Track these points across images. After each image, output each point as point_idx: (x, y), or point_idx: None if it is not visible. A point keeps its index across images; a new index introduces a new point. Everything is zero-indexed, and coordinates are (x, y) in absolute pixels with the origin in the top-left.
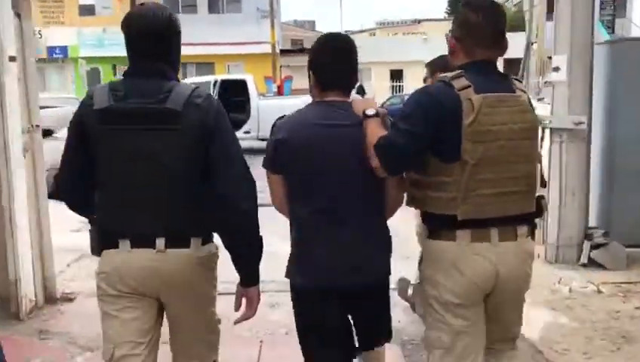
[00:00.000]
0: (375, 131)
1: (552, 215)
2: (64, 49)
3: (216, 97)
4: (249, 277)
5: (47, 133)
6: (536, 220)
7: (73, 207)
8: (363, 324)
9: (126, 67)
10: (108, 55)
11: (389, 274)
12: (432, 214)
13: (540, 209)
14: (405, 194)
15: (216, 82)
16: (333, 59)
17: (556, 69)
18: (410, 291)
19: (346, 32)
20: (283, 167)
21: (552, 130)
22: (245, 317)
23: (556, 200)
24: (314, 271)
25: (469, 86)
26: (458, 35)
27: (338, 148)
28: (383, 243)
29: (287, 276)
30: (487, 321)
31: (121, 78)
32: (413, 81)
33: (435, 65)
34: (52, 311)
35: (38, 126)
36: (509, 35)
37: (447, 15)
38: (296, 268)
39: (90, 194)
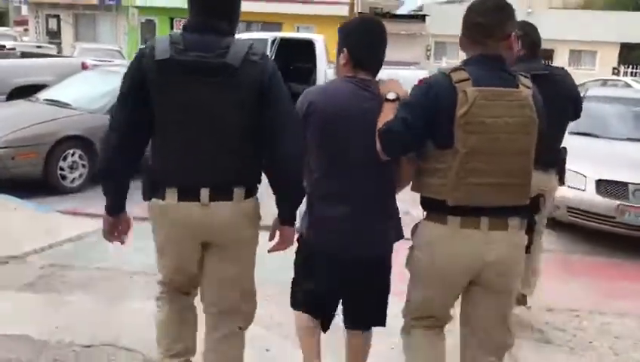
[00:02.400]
0: (387, 115)
1: None
2: None
3: (272, 59)
4: (290, 217)
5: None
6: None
7: (113, 163)
8: (355, 298)
9: (183, 20)
10: (165, 5)
11: (390, 251)
12: (427, 198)
13: (536, 206)
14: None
15: (274, 40)
16: (367, 40)
17: None
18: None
19: (435, 3)
20: (308, 130)
21: None
22: (277, 249)
23: None
24: (323, 234)
25: (468, 79)
26: (462, 30)
27: (361, 122)
28: (389, 219)
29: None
30: (470, 319)
31: (181, 31)
32: None
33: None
34: None
35: None
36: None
37: None
38: (307, 223)
39: (137, 152)
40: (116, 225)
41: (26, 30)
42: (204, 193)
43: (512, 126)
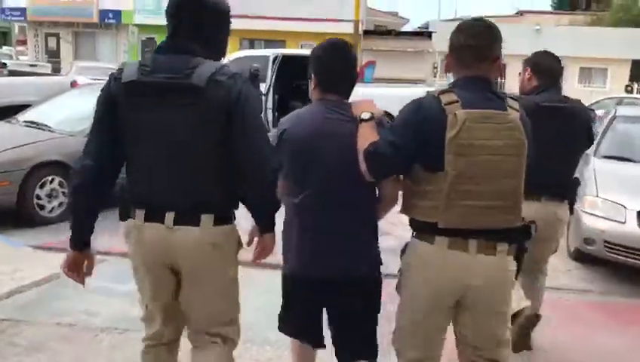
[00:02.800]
0: (366, 136)
1: None
2: (117, 14)
3: (273, 77)
4: (265, 224)
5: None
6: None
7: (87, 183)
8: (341, 326)
9: None
10: (165, 23)
11: (372, 276)
12: (417, 221)
13: (528, 232)
14: (400, 201)
15: (276, 58)
16: (331, 64)
17: None
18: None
19: (441, 20)
20: (284, 157)
21: None
22: (259, 257)
23: None
24: (296, 258)
25: (457, 101)
26: (449, 52)
27: (333, 143)
28: (367, 242)
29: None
30: (460, 340)
31: (153, 53)
32: (514, 79)
33: (527, 62)
34: None
35: None
36: None
37: (553, 7)
38: (284, 251)
39: (109, 178)
40: (78, 262)
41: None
42: (169, 216)
43: (501, 148)
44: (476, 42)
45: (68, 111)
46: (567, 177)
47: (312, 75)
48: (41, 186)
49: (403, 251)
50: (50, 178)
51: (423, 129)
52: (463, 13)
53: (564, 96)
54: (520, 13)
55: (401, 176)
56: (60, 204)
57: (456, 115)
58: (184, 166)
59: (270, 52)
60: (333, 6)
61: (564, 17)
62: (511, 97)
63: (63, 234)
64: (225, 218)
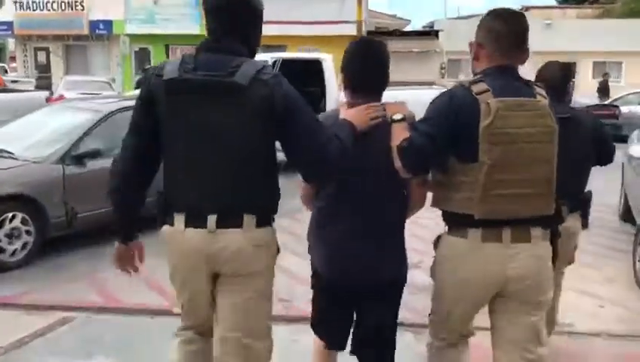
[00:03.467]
0: (399, 134)
1: None
2: (108, 24)
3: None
4: None
5: None
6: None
7: (126, 186)
8: (364, 328)
9: (180, 48)
10: (160, 32)
11: (398, 280)
12: (451, 213)
13: (559, 214)
14: (431, 195)
15: (275, 63)
16: (362, 64)
17: None
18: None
19: (449, 19)
20: None
21: None
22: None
23: None
24: (327, 263)
25: (488, 90)
26: (482, 41)
27: (367, 147)
28: (398, 245)
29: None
30: (495, 333)
31: (194, 52)
32: (528, 75)
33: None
34: None
35: None
36: None
37: (559, 1)
38: (314, 252)
39: (148, 173)
40: (128, 255)
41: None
42: (212, 219)
43: (534, 135)
44: (517, 28)
45: (35, 132)
46: (572, 188)
47: (342, 74)
48: (1, 225)
49: (436, 244)
50: (10, 215)
51: (457, 119)
52: (463, 13)
53: (569, 107)
54: (525, 8)
55: (429, 176)
56: (24, 246)
57: (489, 104)
58: (227, 166)
59: (269, 56)
60: (334, 8)
61: (570, 11)
62: (536, 85)
63: (29, 282)
64: (267, 220)
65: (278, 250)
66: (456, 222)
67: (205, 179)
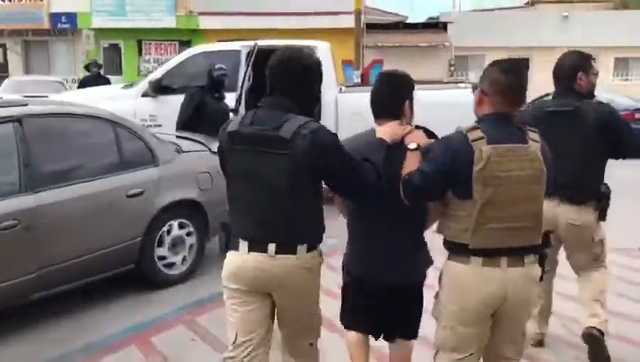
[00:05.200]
0: (410, 164)
1: None
2: (72, 17)
3: (249, 80)
4: None
5: None
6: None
7: None
8: (394, 316)
9: (153, 43)
10: (130, 26)
11: (422, 279)
12: (449, 241)
13: (546, 242)
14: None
15: (250, 53)
16: (377, 93)
17: None
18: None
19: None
20: None
21: None
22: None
23: None
24: (361, 265)
25: (483, 138)
26: (487, 90)
27: (396, 169)
28: (420, 252)
29: (344, 260)
30: (492, 333)
31: (256, 109)
32: (545, 71)
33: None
34: None
35: None
36: None
37: None
38: (349, 256)
39: None
40: None
41: None
42: (271, 247)
43: (523, 178)
44: (521, 83)
45: None
46: (585, 181)
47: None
48: None
49: (440, 278)
50: None
51: (453, 162)
52: (464, 8)
53: (576, 99)
54: (531, 3)
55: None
56: None
57: (482, 151)
58: (274, 205)
59: (241, 45)
60: None
61: (577, 5)
62: (530, 130)
63: None
64: (314, 247)
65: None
66: (456, 250)
67: (260, 216)
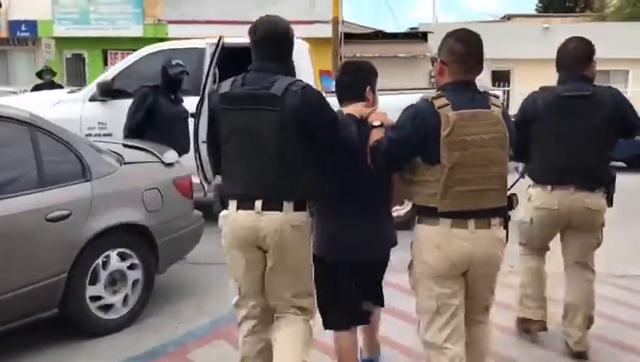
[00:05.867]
0: (375, 136)
1: None
2: (32, 25)
3: (212, 80)
4: None
5: None
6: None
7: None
8: (364, 288)
9: (120, 53)
10: (94, 35)
11: (386, 258)
12: (419, 206)
13: (510, 204)
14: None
15: (215, 50)
16: (345, 78)
17: None
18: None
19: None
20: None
21: None
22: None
23: None
24: (326, 244)
25: (448, 104)
26: (446, 60)
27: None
28: (385, 231)
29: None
30: (465, 297)
31: (246, 72)
32: (526, 82)
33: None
34: None
35: None
36: None
37: (538, 10)
38: (318, 239)
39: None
40: None
41: None
42: (258, 204)
43: (487, 141)
44: (477, 51)
45: None
46: (596, 167)
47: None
48: None
49: (412, 244)
50: None
51: (421, 128)
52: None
53: (591, 85)
54: (507, 17)
55: (407, 175)
56: None
57: (449, 117)
58: (264, 162)
59: (205, 42)
60: (304, 6)
61: (554, 20)
62: (493, 95)
63: None
64: (302, 206)
65: (312, 231)
66: (426, 214)
67: (252, 173)
